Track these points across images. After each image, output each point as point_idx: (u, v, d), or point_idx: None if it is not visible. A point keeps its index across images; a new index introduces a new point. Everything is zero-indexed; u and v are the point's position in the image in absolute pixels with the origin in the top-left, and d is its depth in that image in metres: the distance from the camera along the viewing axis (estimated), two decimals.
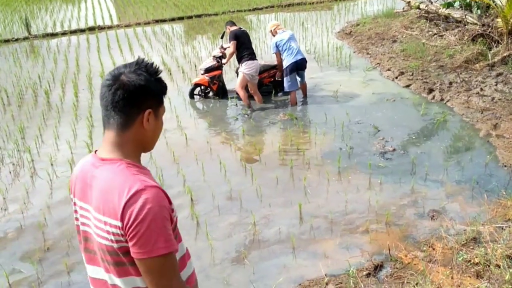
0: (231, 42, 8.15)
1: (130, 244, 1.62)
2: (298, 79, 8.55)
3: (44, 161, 6.94)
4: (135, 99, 1.73)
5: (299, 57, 8.23)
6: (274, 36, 8.49)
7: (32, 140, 7.65)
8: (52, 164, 6.82)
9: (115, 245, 1.67)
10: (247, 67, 8.13)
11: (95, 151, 1.85)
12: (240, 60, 8.27)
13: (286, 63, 8.26)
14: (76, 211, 1.91)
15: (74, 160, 6.89)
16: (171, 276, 1.66)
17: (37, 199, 5.97)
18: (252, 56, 8.20)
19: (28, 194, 6.09)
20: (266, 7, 18.39)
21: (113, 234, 1.65)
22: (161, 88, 1.81)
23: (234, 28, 8.35)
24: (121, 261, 1.71)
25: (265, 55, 11.64)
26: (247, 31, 8.51)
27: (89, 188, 1.79)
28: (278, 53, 8.37)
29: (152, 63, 1.79)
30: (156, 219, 1.60)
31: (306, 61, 8.41)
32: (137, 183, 1.64)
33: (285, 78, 8.34)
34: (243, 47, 8.18)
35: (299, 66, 8.28)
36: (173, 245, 1.65)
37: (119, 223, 1.62)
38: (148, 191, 1.63)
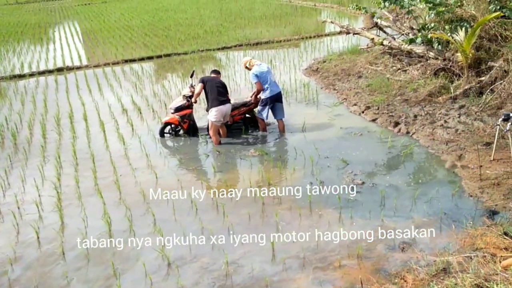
0: (198, 84, 8.51)
1: None
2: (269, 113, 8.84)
3: (10, 204, 6.78)
4: None
5: (277, 90, 8.75)
6: (250, 69, 8.69)
7: None
8: (18, 207, 6.67)
9: None
10: (213, 115, 8.37)
11: None
12: (207, 105, 8.57)
13: (266, 94, 8.61)
14: None
15: (41, 202, 6.75)
16: None
17: (2, 243, 5.80)
18: (215, 102, 8.35)
19: None
20: (235, 46, 18.65)
21: None
22: None
23: (212, 75, 8.77)
24: None
25: (234, 93, 11.75)
26: (219, 80, 8.66)
27: None
28: (260, 83, 8.59)
29: None
30: None
31: (281, 93, 8.90)
32: None
33: (260, 107, 8.75)
34: (209, 94, 8.45)
35: (278, 98, 8.74)
36: None
37: None
38: None
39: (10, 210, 6.56)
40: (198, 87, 8.47)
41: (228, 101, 8.52)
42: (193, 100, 8.64)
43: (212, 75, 8.77)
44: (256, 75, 8.56)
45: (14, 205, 6.72)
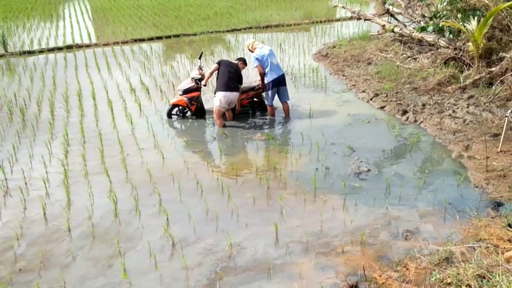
0: (214, 65, 8.59)
1: None
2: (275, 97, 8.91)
3: (18, 180, 6.84)
4: None
5: (280, 72, 8.67)
6: (252, 52, 8.70)
7: (5, 158, 7.53)
8: (25, 183, 6.73)
9: None
10: (218, 99, 8.38)
11: None
12: (216, 87, 8.55)
13: (268, 78, 8.59)
14: None
15: (48, 179, 6.81)
16: None
17: (9, 218, 5.86)
18: (223, 87, 8.35)
19: (0, 213, 5.98)
20: (244, 28, 18.56)
21: None
22: None
23: (234, 61, 8.83)
24: None
25: (243, 76, 11.69)
26: (235, 65, 8.65)
27: None
28: (260, 66, 8.58)
29: None
30: None
31: (284, 76, 8.81)
32: None
33: (266, 92, 8.77)
34: (219, 77, 8.47)
35: (281, 82, 8.68)
36: None
37: None
38: None
39: (17, 185, 6.62)
40: (212, 67, 8.53)
41: (237, 89, 8.50)
42: (203, 83, 8.65)
43: (235, 61, 8.77)
44: (257, 59, 8.56)
45: (21, 181, 6.78)
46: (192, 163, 7.22)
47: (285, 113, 8.95)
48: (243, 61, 8.88)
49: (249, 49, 8.86)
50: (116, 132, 8.44)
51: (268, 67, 8.54)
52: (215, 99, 8.47)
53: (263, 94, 9.16)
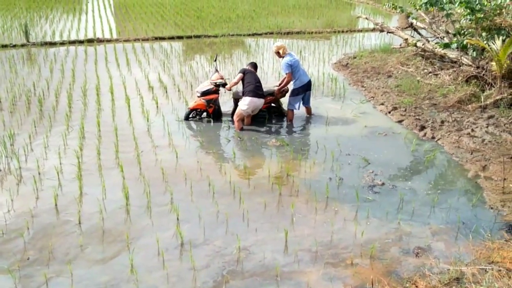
0: (238, 74, 8.61)
1: None
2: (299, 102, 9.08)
3: (32, 169, 6.89)
4: None
5: (307, 78, 8.91)
6: (282, 56, 8.78)
7: (21, 147, 7.60)
8: (39, 173, 6.77)
9: None
10: (245, 104, 8.40)
11: None
12: (243, 93, 8.60)
13: (297, 84, 8.76)
14: None
15: (62, 170, 6.85)
16: None
17: (21, 207, 5.90)
18: (252, 93, 8.41)
19: (13, 201, 6.02)
20: (265, 33, 18.58)
21: None
22: None
23: (248, 67, 8.82)
24: None
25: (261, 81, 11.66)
26: (257, 76, 8.71)
27: None
28: (291, 73, 8.66)
29: None
30: None
31: (311, 82, 9.05)
32: None
33: (292, 98, 8.87)
34: (248, 84, 8.50)
35: (309, 87, 8.96)
36: None
37: None
38: None
39: (31, 174, 6.67)
40: (237, 76, 8.57)
41: (263, 96, 8.58)
42: (227, 87, 8.72)
43: (252, 69, 8.79)
44: (290, 65, 8.56)
45: (35, 171, 6.83)
46: (206, 164, 7.22)
47: (309, 114, 9.32)
48: (257, 67, 9.02)
49: (278, 52, 8.81)
50: (132, 128, 8.48)
51: (297, 73, 8.68)
52: (241, 103, 8.51)
53: (281, 100, 9.17)
